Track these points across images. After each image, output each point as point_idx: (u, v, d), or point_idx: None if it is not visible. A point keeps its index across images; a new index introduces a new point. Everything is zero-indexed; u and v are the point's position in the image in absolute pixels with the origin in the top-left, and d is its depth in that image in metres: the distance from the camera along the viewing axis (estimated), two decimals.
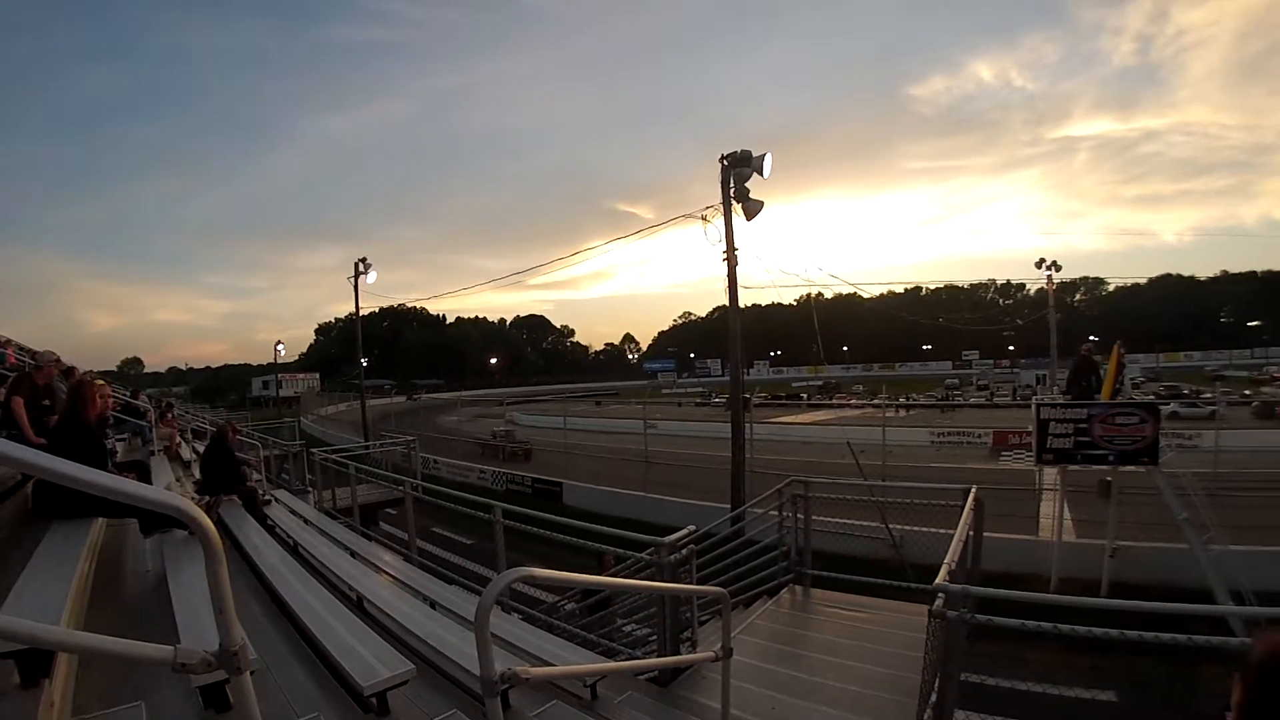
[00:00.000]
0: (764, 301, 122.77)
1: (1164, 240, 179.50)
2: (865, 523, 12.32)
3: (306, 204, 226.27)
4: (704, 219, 15.47)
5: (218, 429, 10.73)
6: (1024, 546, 15.63)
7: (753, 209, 14.76)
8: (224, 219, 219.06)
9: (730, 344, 16.04)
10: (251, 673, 1.70)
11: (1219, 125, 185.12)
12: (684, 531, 6.05)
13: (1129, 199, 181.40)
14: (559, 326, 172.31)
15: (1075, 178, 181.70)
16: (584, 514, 18.74)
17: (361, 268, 33.90)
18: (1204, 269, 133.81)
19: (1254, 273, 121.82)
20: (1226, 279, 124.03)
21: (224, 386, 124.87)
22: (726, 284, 15.50)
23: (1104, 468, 14.72)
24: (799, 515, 8.71)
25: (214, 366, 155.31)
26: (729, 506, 14.47)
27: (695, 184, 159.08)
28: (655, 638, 6.29)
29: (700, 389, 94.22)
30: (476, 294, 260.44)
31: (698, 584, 6.22)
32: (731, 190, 14.78)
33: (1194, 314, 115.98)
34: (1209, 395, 47.18)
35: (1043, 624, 4.49)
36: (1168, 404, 39.96)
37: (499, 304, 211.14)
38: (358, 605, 5.96)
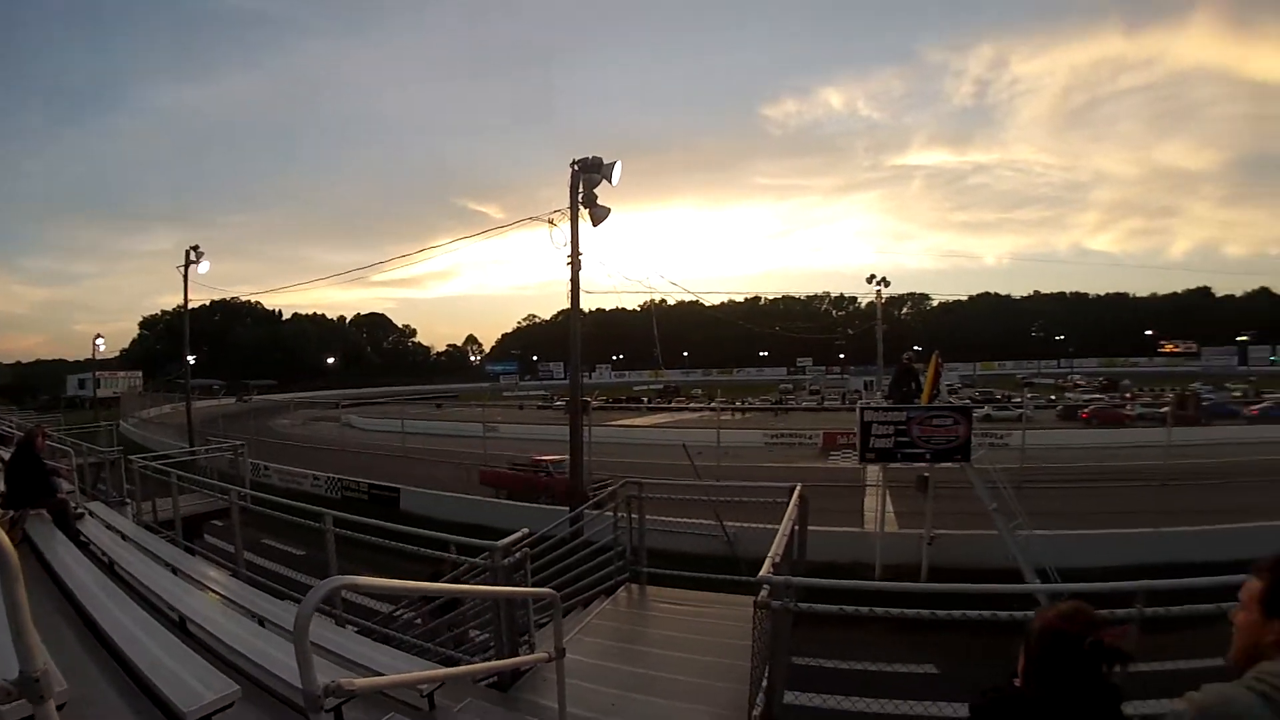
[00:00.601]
0: (608, 306, 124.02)
1: (985, 262, 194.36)
2: (701, 521, 12.67)
3: (142, 182, 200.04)
4: (551, 222, 15.41)
5: (25, 434, 9.61)
6: (851, 538, 16.70)
7: (600, 215, 14.80)
8: (47, 194, 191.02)
9: (570, 347, 16.01)
10: (61, 706, 1.59)
11: (1041, 164, 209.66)
12: (518, 534, 6.03)
13: (956, 224, 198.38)
14: (401, 326, 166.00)
15: (909, 202, 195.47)
16: (422, 520, 18.40)
17: (193, 256, 30.25)
18: (1019, 289, 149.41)
19: (1063, 293, 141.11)
20: (1039, 298, 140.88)
21: (36, 384, 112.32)
22: (570, 288, 15.53)
23: (922, 465, 16.04)
24: (633, 515, 8.83)
25: (25, 361, 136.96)
26: (568, 509, 14.54)
27: (546, 187, 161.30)
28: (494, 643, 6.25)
29: (543, 392, 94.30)
30: (316, 289, 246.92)
31: (535, 586, 6.21)
32: (580, 195, 14.77)
33: (1009, 328, 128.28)
34: (1019, 400, 51.09)
35: (860, 608, 4.81)
36: (982, 408, 42.92)
37: (339, 300, 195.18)
38: (180, 626, 5.60)
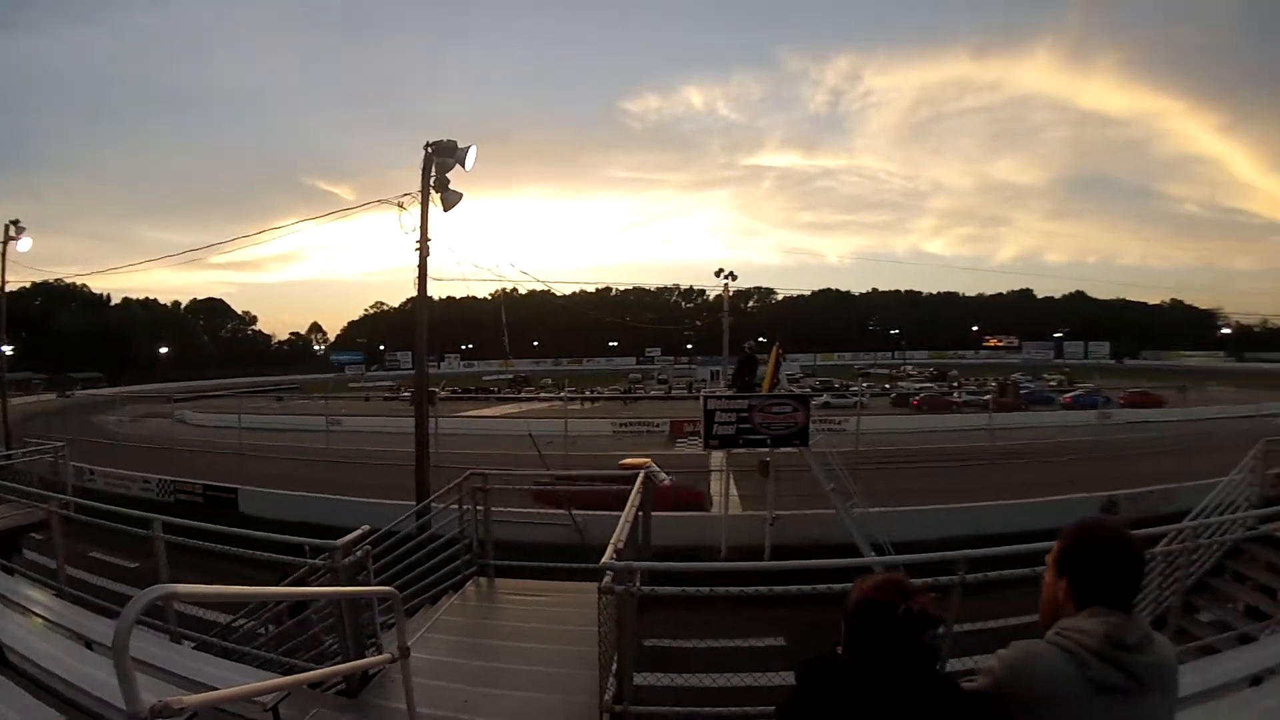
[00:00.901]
0: (458, 294, 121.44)
1: (828, 260, 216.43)
2: (550, 510, 12.69)
3: None
4: (400, 206, 14.93)
5: None
6: (698, 521, 17.08)
7: (451, 200, 14.48)
8: None
9: (417, 336, 15.58)
10: None
11: (885, 172, 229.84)
12: (358, 532, 5.81)
13: (803, 224, 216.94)
14: (240, 313, 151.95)
15: (759, 201, 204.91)
16: (262, 522, 17.48)
17: (12, 231, 26.18)
18: (859, 286, 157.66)
19: (898, 291, 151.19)
20: (876, 295, 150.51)
21: None
22: (417, 274, 15.13)
23: (763, 450, 16.77)
24: (479, 507, 8.67)
25: None
26: (415, 503, 14.26)
27: (401, 170, 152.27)
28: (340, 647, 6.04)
29: (390, 382, 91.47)
30: (148, 271, 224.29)
31: (381, 585, 6.03)
32: (432, 179, 14.40)
33: (848, 322, 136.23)
34: (856, 389, 53.65)
35: (702, 588, 4.93)
36: (821, 396, 45.05)
37: (174, 284, 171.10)
38: None
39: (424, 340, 15.62)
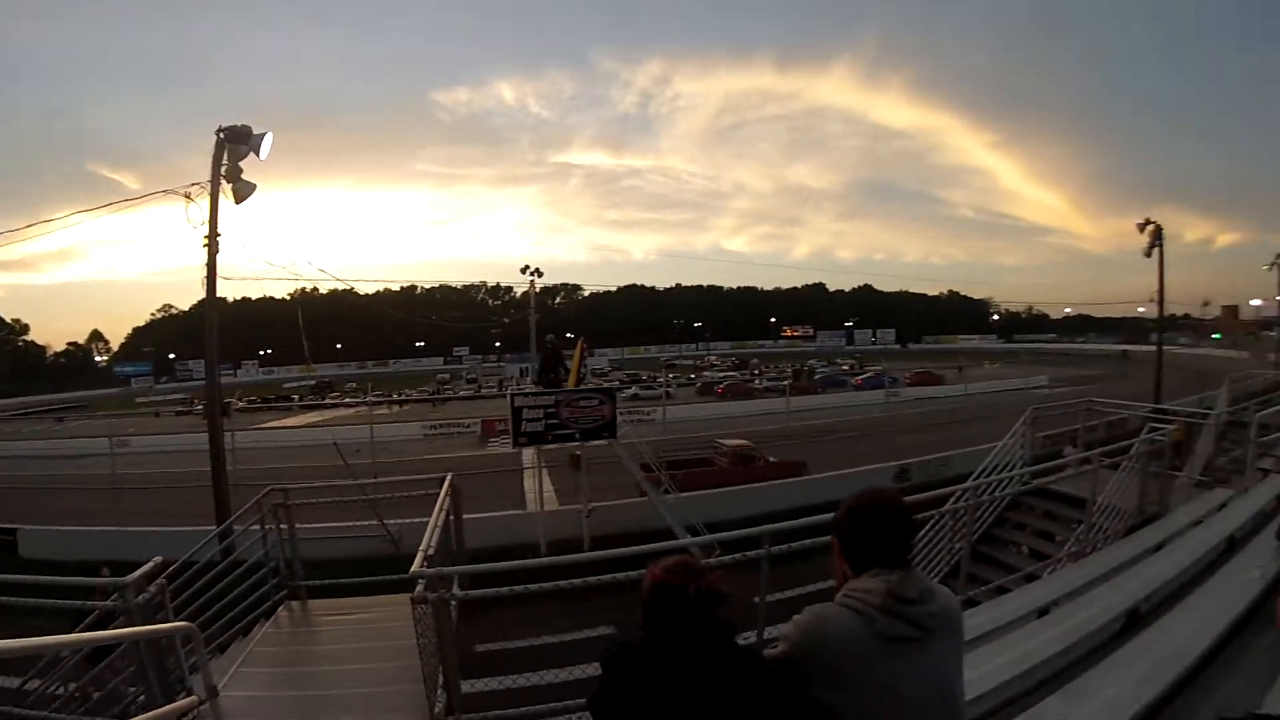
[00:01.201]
0: (255, 295, 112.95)
1: (634, 257, 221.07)
2: (363, 522, 12.21)
3: None
4: (188, 196, 13.59)
5: None
6: (515, 520, 16.93)
7: (244, 191, 13.29)
8: None
9: (207, 342, 14.32)
10: None
11: (688, 173, 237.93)
12: (150, 565, 5.23)
13: (609, 221, 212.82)
14: (9, 321, 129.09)
15: (567, 198, 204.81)
16: (50, 564, 15.55)
17: None
18: (663, 281, 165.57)
19: (700, 286, 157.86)
20: (680, 290, 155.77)
21: None
22: (206, 272, 13.88)
23: (573, 444, 16.86)
24: (282, 526, 8.07)
25: None
26: (215, 527, 13.20)
27: (192, 156, 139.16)
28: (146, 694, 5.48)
29: (182, 395, 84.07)
30: None
31: (185, 621, 5.53)
32: (224, 168, 13.24)
33: (653, 317, 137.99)
34: (662, 380, 54.83)
35: (515, 587, 4.89)
36: (629, 388, 45.77)
37: None
38: None
39: (215, 347, 14.39)
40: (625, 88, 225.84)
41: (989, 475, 11.36)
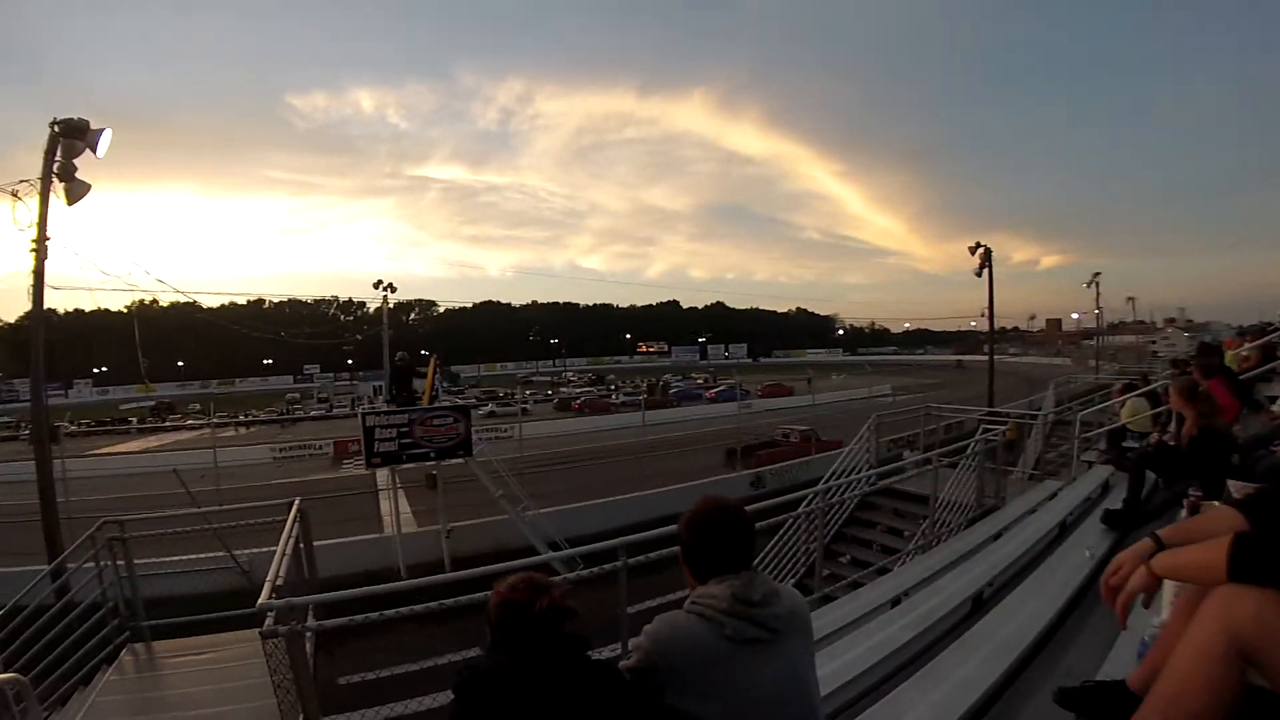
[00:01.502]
0: (88, 307, 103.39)
1: (490, 273, 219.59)
2: (209, 554, 11.52)
3: None
4: (15, 195, 12.28)
5: None
6: (374, 544, 16.44)
7: (78, 191, 12.03)
8: None
9: (33, 358, 13.07)
10: None
11: (546, 191, 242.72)
12: None
13: (465, 237, 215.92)
14: None
15: (423, 213, 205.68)
16: None
17: None
18: (520, 298, 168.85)
19: (557, 303, 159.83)
20: (537, 307, 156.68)
21: None
22: (33, 281, 12.57)
23: (429, 464, 16.50)
24: (120, 562, 7.46)
25: None
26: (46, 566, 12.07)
27: (23, 151, 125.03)
28: None
29: (6, 418, 76.79)
30: None
31: (12, 673, 5.03)
32: (56, 165, 12.13)
33: (510, 333, 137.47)
34: (519, 396, 54.51)
35: (372, 614, 4.72)
36: (486, 405, 45.23)
37: None
38: None
39: (42, 363, 13.19)
40: (487, 103, 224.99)
41: (838, 479, 11.83)
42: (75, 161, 12.13)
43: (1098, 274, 51.77)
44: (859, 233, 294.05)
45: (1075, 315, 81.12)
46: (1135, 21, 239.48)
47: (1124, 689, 2.15)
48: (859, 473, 12.52)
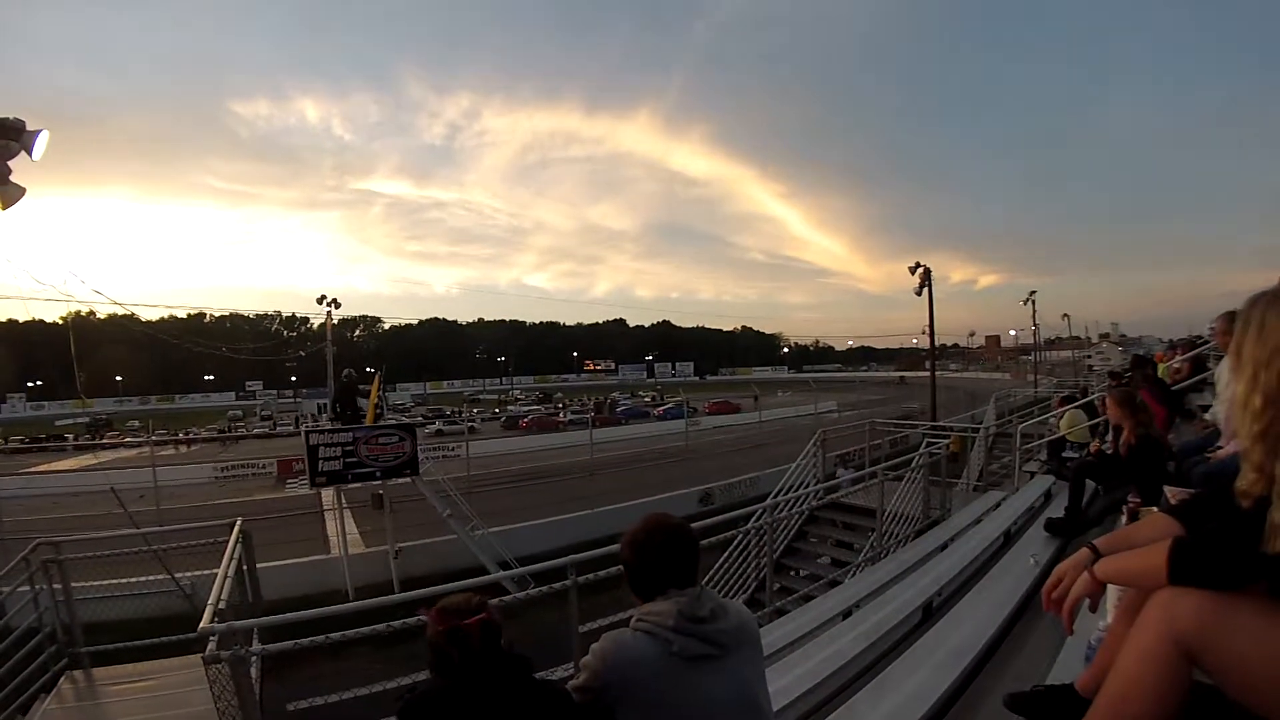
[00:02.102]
0: (20, 317, 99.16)
1: (435, 290, 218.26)
2: (150, 577, 11.20)
3: None
4: None
5: None
6: (320, 565, 16.15)
7: (12, 195, 11.36)
8: None
9: None
10: None
11: (492, 208, 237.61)
12: None
13: (410, 253, 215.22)
14: None
15: (368, 227, 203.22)
16: None
17: None
18: (465, 315, 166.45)
19: (503, 320, 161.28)
20: (482, 324, 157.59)
21: None
22: None
23: (375, 482, 16.27)
24: (56, 585, 7.19)
25: None
26: None
27: None
28: None
29: None
30: None
31: None
32: None
33: (455, 350, 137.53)
34: (466, 414, 54.06)
35: (317, 637, 4.64)
36: (433, 423, 44.75)
37: None
38: None
39: None
40: (433, 118, 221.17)
41: (785, 494, 11.93)
42: (10, 164, 11.58)
43: (1034, 293, 52.93)
44: (802, 253, 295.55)
45: (1013, 332, 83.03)
46: (1068, 48, 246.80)
47: (1072, 692, 2.19)
48: (806, 488, 12.66)
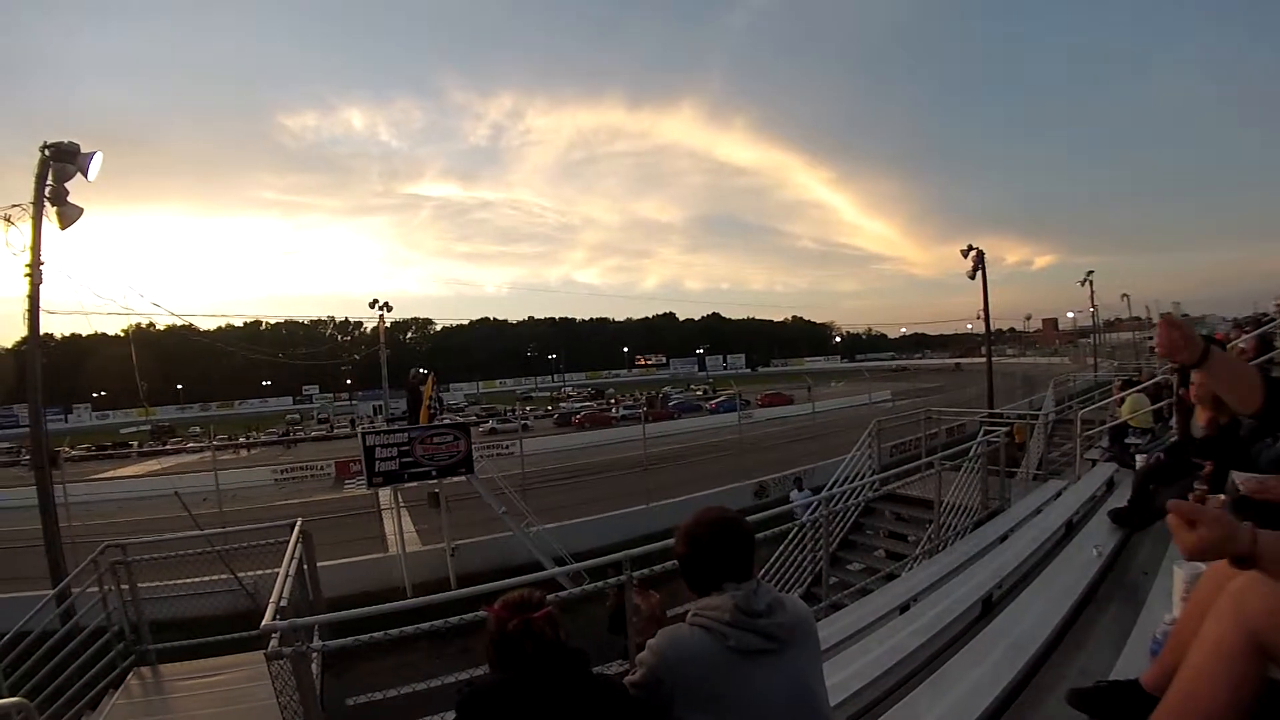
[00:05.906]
0: (84, 331, 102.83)
1: (485, 290, 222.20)
2: (214, 577, 11.45)
3: None
4: (8, 219, 12.14)
5: None
6: (378, 564, 16.36)
7: (70, 215, 11.82)
8: None
9: (30, 383, 12.90)
10: None
11: (539, 206, 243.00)
12: None
13: (459, 254, 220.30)
14: None
15: (416, 231, 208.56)
16: None
17: None
18: (515, 314, 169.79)
19: (553, 318, 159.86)
20: (532, 322, 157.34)
21: None
22: (28, 306, 12.37)
23: (430, 482, 16.36)
24: (124, 586, 7.44)
25: None
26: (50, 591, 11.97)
27: (12, 173, 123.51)
28: None
29: (6, 444, 76.18)
30: None
31: (18, 698, 4.96)
32: (48, 189, 11.96)
33: (507, 349, 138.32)
34: (519, 413, 54.50)
35: (376, 634, 4.70)
36: (487, 422, 45.14)
37: None
38: None
39: (40, 389, 13.07)
40: (477, 120, 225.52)
41: (840, 486, 11.80)
42: (67, 185, 12.00)
43: (1091, 272, 51.27)
44: (852, 239, 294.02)
45: (1071, 314, 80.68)
46: (1126, 18, 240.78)
47: (1138, 688, 2.13)
48: (862, 479, 12.50)
